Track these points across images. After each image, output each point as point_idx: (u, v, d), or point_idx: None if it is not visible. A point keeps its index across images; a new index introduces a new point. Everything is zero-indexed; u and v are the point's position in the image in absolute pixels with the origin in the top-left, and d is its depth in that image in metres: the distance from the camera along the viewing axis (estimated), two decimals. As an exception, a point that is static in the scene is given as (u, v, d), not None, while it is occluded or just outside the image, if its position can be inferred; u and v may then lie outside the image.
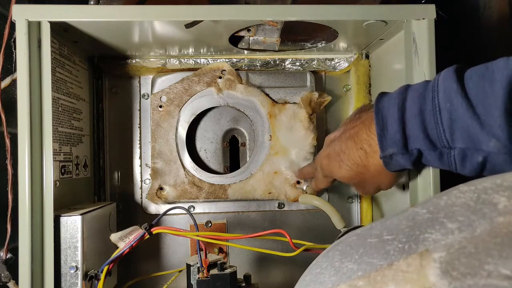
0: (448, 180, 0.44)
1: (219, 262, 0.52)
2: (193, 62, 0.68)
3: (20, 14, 0.49)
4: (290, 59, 0.68)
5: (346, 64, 0.70)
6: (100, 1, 0.59)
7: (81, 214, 0.52)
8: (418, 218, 0.28)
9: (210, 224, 0.70)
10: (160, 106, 0.67)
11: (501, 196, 0.26)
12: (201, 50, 0.66)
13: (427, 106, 0.40)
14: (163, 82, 0.68)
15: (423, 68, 0.52)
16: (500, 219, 0.25)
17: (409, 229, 0.28)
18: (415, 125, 0.41)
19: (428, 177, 0.51)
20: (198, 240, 0.52)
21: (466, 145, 0.38)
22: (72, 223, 0.52)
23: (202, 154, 0.71)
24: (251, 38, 0.65)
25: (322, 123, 0.72)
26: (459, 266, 0.24)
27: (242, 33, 0.63)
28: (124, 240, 0.52)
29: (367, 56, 0.69)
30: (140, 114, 0.70)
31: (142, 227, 0.52)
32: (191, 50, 0.65)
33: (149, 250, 0.69)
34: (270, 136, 0.68)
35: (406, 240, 0.27)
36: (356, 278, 0.27)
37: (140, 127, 0.70)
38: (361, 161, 0.48)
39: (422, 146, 0.42)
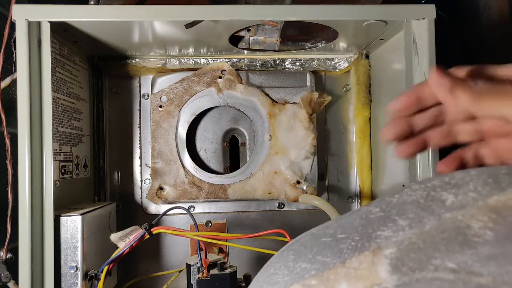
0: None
1: (219, 262, 0.52)
2: (193, 62, 0.68)
3: (20, 14, 0.49)
4: (290, 59, 0.68)
5: (346, 64, 0.70)
6: (100, 1, 0.59)
7: (81, 214, 0.52)
8: (371, 217, 0.28)
9: (210, 224, 0.70)
10: (160, 106, 0.67)
11: (449, 193, 0.27)
12: (201, 50, 0.66)
13: None
14: (163, 82, 0.68)
15: (423, 68, 0.52)
16: (448, 215, 0.26)
17: (362, 227, 0.28)
18: None
19: (428, 178, 0.51)
20: (198, 240, 0.52)
21: None
22: (72, 223, 0.52)
23: (202, 154, 0.71)
24: (251, 38, 0.65)
25: (322, 123, 0.72)
26: (408, 261, 0.24)
27: (242, 33, 0.63)
28: (124, 240, 0.52)
29: (367, 56, 0.69)
30: (140, 114, 0.70)
31: (142, 227, 0.52)
32: (191, 50, 0.65)
33: (149, 250, 0.69)
34: (270, 136, 0.68)
35: (359, 238, 0.27)
36: (309, 277, 0.27)
37: (140, 127, 0.70)
38: None
39: None
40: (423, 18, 0.52)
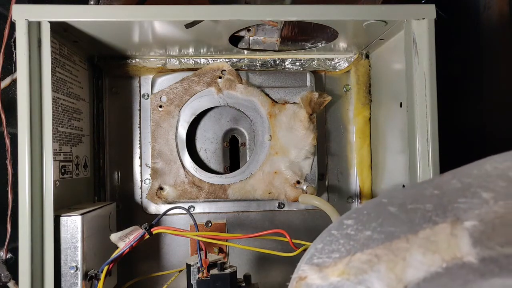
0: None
1: (219, 262, 0.52)
2: (193, 62, 0.68)
3: (20, 14, 0.49)
4: (290, 59, 0.68)
5: (346, 64, 0.70)
6: (100, 1, 0.59)
7: (81, 214, 0.52)
8: (446, 187, 0.27)
9: (210, 224, 0.70)
10: (160, 106, 0.67)
11: None
12: (201, 50, 0.66)
13: None
14: (163, 82, 0.68)
15: (423, 68, 0.52)
16: None
17: (436, 197, 0.27)
18: None
19: (427, 178, 0.51)
20: (198, 240, 0.52)
21: None
22: (72, 223, 0.52)
23: (202, 154, 0.71)
24: (251, 38, 0.65)
25: (322, 123, 0.72)
26: (495, 236, 0.23)
27: (242, 33, 0.63)
28: (124, 240, 0.52)
29: (367, 56, 0.69)
30: (140, 114, 0.70)
31: (142, 227, 0.52)
32: (191, 50, 0.65)
33: (149, 250, 0.69)
34: (270, 136, 0.68)
35: (433, 208, 0.26)
36: (375, 247, 0.26)
37: (140, 127, 0.70)
38: None
39: None
40: (423, 18, 0.52)
